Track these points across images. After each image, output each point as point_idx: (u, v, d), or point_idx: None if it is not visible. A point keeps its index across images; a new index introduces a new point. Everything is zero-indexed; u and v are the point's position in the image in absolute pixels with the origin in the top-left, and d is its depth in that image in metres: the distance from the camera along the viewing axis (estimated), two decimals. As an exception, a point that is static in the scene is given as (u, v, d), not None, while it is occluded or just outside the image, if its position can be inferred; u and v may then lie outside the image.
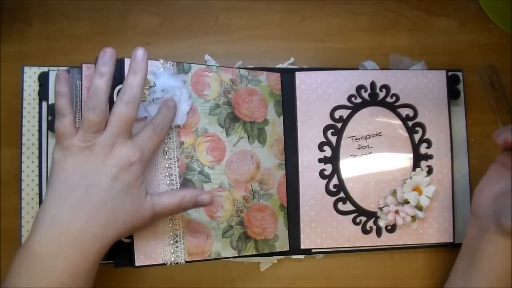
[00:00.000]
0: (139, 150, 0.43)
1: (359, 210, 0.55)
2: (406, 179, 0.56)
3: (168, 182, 0.48)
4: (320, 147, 0.56)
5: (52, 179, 0.42)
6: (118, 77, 0.47)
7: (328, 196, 0.55)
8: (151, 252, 0.47)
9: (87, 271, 0.40)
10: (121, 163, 0.42)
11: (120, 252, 0.47)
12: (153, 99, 0.47)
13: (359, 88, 0.56)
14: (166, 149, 0.48)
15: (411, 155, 0.56)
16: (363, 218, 0.55)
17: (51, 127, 0.52)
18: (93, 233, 0.41)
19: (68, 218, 0.40)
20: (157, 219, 0.46)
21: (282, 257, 0.56)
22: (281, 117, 0.56)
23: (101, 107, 0.41)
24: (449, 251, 0.57)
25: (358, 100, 0.56)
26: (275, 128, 0.55)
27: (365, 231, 0.55)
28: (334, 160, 0.55)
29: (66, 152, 0.41)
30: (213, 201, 0.46)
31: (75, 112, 0.49)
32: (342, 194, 0.55)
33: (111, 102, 0.44)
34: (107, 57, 0.42)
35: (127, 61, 0.47)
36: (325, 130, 0.56)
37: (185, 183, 0.49)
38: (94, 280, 0.42)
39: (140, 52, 0.43)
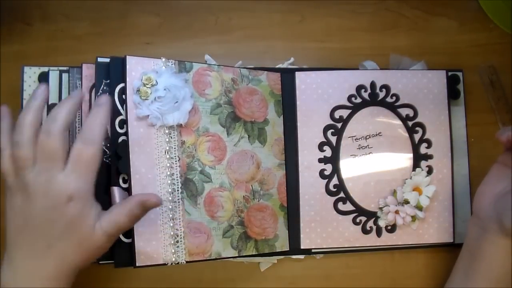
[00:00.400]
0: (75, 181, 0.39)
1: (359, 210, 0.55)
2: (406, 179, 0.56)
3: (169, 181, 0.48)
4: (320, 147, 0.56)
5: (5, 220, 0.40)
6: (119, 76, 0.47)
7: (328, 196, 0.55)
8: (152, 252, 0.47)
9: None
10: (56, 204, 0.39)
11: (120, 252, 0.47)
12: (155, 97, 0.47)
13: (359, 88, 0.56)
14: (168, 148, 0.48)
15: (411, 155, 0.56)
16: (363, 218, 0.55)
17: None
18: (47, 274, 0.40)
19: (22, 261, 0.40)
20: (115, 237, 0.43)
21: (282, 257, 0.56)
22: (281, 117, 0.56)
23: (25, 140, 0.38)
24: (449, 251, 0.57)
25: (358, 100, 0.56)
26: (275, 128, 0.55)
27: (365, 231, 0.55)
28: (334, 160, 0.56)
29: (10, 192, 0.40)
30: (161, 201, 0.44)
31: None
32: (342, 194, 0.55)
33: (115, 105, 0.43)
34: (39, 91, 0.40)
35: (129, 59, 0.47)
36: (325, 130, 0.56)
37: (186, 183, 0.49)
38: None
39: (78, 93, 0.41)
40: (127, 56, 0.47)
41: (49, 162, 0.39)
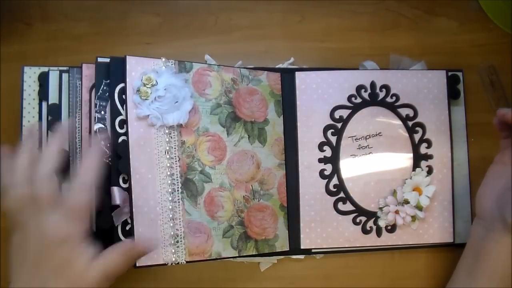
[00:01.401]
0: (66, 225, 0.39)
1: (359, 210, 0.55)
2: (406, 179, 0.56)
3: (169, 182, 0.48)
4: (320, 147, 0.56)
5: (10, 254, 0.41)
6: (119, 76, 0.48)
7: (328, 196, 0.55)
8: (152, 252, 0.46)
9: None
10: (48, 245, 0.39)
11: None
12: (155, 97, 0.47)
13: (359, 88, 0.56)
14: (168, 148, 0.48)
15: (411, 155, 0.56)
16: (363, 218, 0.55)
17: (51, 127, 0.52)
18: None
19: None
20: (113, 277, 0.41)
21: (282, 257, 0.56)
22: (281, 117, 0.56)
23: (19, 181, 0.40)
24: (449, 251, 0.57)
25: (358, 100, 0.56)
26: (275, 128, 0.55)
27: (365, 231, 0.55)
28: (334, 160, 0.55)
29: (13, 228, 0.40)
30: (154, 248, 0.44)
31: (75, 113, 0.49)
32: (342, 194, 0.55)
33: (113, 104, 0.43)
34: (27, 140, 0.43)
35: (128, 59, 0.47)
36: (325, 130, 0.56)
37: (186, 183, 0.49)
38: None
39: (63, 129, 0.43)
40: (127, 56, 0.47)
41: (40, 204, 0.39)
